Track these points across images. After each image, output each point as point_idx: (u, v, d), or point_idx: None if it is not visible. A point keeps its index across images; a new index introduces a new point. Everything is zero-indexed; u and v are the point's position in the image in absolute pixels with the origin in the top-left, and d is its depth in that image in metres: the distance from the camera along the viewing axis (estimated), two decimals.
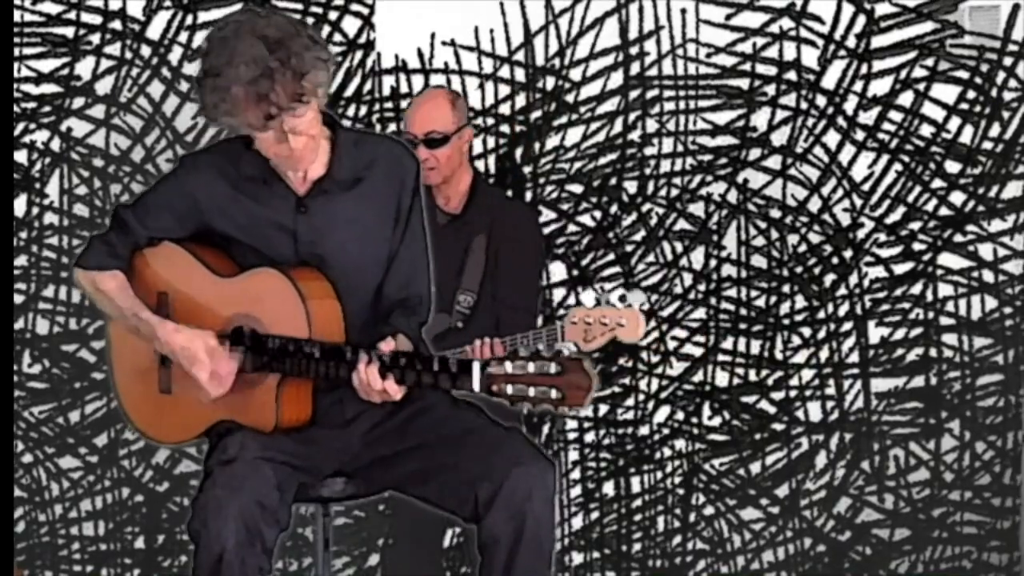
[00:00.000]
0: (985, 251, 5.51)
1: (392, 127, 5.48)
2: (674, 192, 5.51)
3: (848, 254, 5.52)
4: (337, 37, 5.43)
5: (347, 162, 3.79)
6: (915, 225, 5.51)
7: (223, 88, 3.60)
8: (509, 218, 4.97)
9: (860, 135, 5.48)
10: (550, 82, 5.47)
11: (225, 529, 3.54)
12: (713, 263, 5.53)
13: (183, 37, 5.44)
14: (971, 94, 5.46)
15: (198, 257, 3.83)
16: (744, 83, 5.47)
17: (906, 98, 5.47)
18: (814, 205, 5.50)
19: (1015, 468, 5.58)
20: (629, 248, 5.52)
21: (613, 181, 5.50)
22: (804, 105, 5.47)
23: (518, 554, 3.63)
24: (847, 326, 5.54)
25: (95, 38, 5.42)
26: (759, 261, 5.53)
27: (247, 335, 3.72)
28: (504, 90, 5.43)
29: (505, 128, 5.46)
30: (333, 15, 5.43)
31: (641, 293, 4.77)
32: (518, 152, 5.49)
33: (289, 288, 3.68)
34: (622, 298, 4.40)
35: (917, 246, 5.51)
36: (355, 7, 5.44)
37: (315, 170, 3.78)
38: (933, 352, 5.55)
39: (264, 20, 3.66)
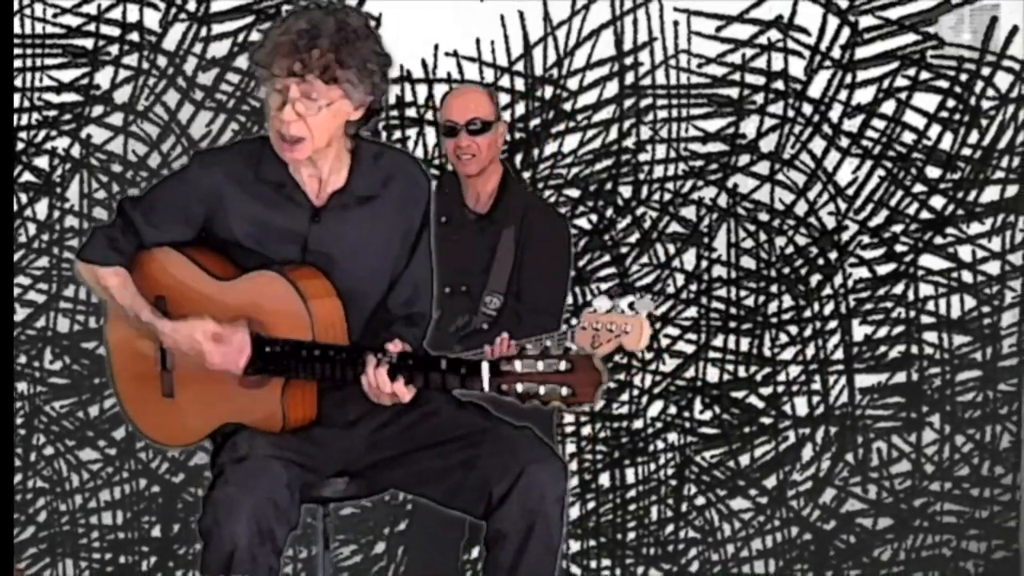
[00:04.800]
0: (964, 253, 5.55)
1: (397, 134, 5.45)
2: (667, 196, 5.54)
3: (833, 255, 5.56)
4: None
5: (366, 177, 3.72)
6: (897, 228, 5.55)
7: (274, 34, 3.55)
8: (538, 218, 4.84)
9: (845, 142, 5.52)
10: (548, 91, 5.50)
11: (239, 527, 3.47)
12: (704, 264, 5.56)
13: (197, 48, 5.43)
14: (951, 103, 5.48)
15: (194, 260, 3.74)
16: (734, 92, 5.50)
17: (889, 106, 5.50)
18: (801, 209, 5.55)
19: (993, 460, 5.59)
20: (624, 250, 5.55)
21: (609, 186, 5.53)
22: (791, 113, 5.50)
23: (526, 552, 3.56)
24: (832, 324, 5.58)
25: (114, 49, 5.45)
26: (748, 262, 5.57)
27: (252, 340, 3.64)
28: (504, 99, 5.37)
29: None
30: None
31: (650, 301, 4.52)
32: (518, 158, 5.51)
33: (290, 290, 3.61)
34: (631, 304, 4.27)
35: (899, 248, 5.55)
36: None
37: (334, 182, 3.71)
38: (915, 349, 5.59)
39: (354, 14, 3.62)
